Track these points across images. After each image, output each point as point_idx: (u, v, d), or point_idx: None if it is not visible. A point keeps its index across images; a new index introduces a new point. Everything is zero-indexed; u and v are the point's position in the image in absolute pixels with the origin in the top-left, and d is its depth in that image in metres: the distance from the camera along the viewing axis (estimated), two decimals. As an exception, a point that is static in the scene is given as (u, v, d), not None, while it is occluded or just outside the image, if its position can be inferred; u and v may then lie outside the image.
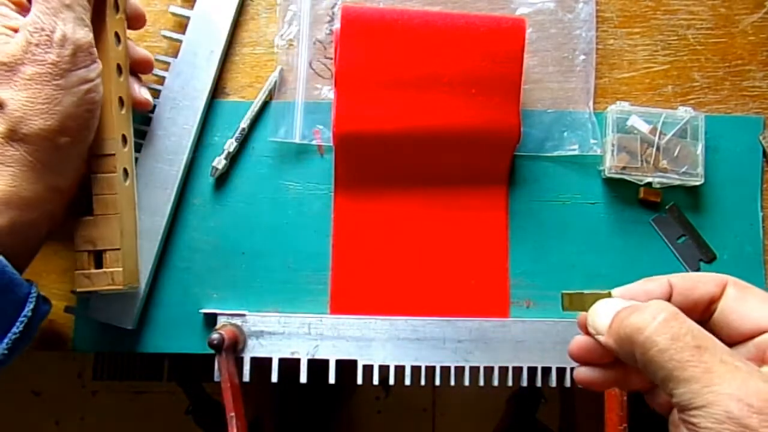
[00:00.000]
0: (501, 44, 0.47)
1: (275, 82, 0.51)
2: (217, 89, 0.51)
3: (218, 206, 0.50)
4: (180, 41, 0.50)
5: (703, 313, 0.31)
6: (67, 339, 0.49)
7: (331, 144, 0.50)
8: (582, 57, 0.52)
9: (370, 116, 0.48)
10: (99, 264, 0.43)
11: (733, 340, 0.30)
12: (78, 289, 0.43)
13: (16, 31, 0.37)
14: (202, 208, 0.50)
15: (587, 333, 0.31)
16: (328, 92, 0.51)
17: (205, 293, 0.49)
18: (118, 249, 0.42)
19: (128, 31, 0.45)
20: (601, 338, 0.29)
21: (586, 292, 0.32)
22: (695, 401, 0.24)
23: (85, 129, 0.40)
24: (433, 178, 0.50)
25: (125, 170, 0.44)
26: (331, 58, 0.51)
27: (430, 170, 0.50)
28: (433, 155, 0.49)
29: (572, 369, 0.47)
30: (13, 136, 0.36)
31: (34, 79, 0.36)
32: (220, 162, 0.49)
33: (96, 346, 0.49)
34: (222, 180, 0.50)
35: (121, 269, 0.42)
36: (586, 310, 0.32)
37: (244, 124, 0.50)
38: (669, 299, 0.30)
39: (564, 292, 0.33)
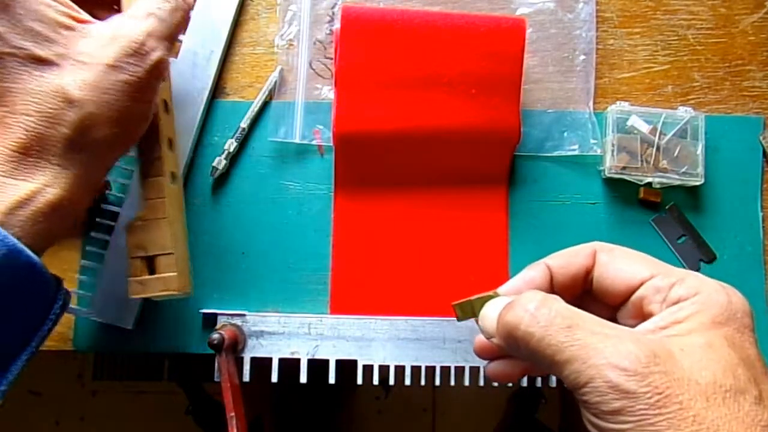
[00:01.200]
0: (501, 44, 0.47)
1: (275, 82, 0.51)
2: (217, 89, 0.51)
3: (218, 206, 0.50)
4: (180, 41, 0.50)
5: (583, 285, 0.31)
6: (67, 339, 0.49)
7: (331, 144, 0.50)
8: (582, 57, 0.52)
9: (370, 116, 0.48)
10: (152, 270, 0.42)
11: (615, 302, 0.30)
12: (132, 296, 0.42)
13: (79, 21, 0.37)
14: (202, 208, 0.50)
15: (488, 339, 0.31)
16: (328, 92, 0.51)
17: (205, 293, 0.49)
18: (171, 253, 0.41)
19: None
20: (494, 341, 0.29)
21: (473, 297, 0.31)
22: (580, 379, 0.24)
23: (137, 137, 0.40)
24: (433, 178, 0.50)
25: (172, 173, 0.44)
26: (331, 58, 0.51)
27: (430, 170, 0.50)
28: (433, 155, 0.49)
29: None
30: (81, 140, 0.35)
31: (118, 87, 0.36)
32: (220, 162, 0.49)
33: (96, 346, 0.49)
34: (222, 180, 0.50)
35: (175, 274, 0.41)
36: (477, 316, 0.31)
37: (244, 124, 0.50)
38: (551, 281, 0.31)
39: (454, 303, 0.32)
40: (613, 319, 0.30)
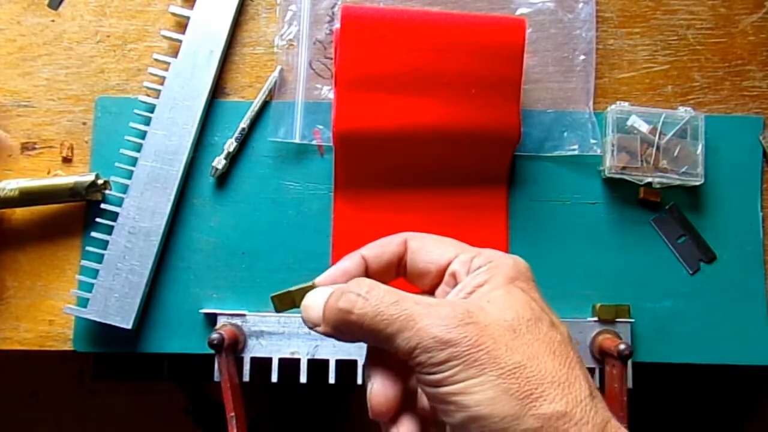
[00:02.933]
0: (501, 44, 0.47)
1: (275, 82, 0.51)
2: (217, 89, 0.51)
3: (218, 206, 0.50)
4: (180, 41, 0.50)
5: (398, 270, 0.34)
6: (67, 339, 0.49)
7: (331, 144, 0.50)
8: (582, 57, 0.51)
9: (370, 116, 0.48)
10: None
11: (431, 283, 0.33)
12: None
13: None
14: (202, 208, 0.50)
15: (310, 328, 0.32)
16: (328, 92, 0.51)
17: (205, 293, 0.49)
18: None
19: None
20: (319, 329, 0.31)
21: (292, 288, 0.33)
22: (410, 344, 0.27)
23: None
24: (433, 178, 0.50)
25: None
26: (331, 58, 0.51)
27: (429, 170, 0.50)
28: (433, 155, 0.49)
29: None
30: None
31: None
32: (220, 162, 0.49)
33: (96, 346, 0.49)
34: (222, 180, 0.50)
35: None
36: (297, 306, 0.32)
37: (244, 124, 0.50)
38: (366, 270, 0.33)
39: (272, 294, 0.33)
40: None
